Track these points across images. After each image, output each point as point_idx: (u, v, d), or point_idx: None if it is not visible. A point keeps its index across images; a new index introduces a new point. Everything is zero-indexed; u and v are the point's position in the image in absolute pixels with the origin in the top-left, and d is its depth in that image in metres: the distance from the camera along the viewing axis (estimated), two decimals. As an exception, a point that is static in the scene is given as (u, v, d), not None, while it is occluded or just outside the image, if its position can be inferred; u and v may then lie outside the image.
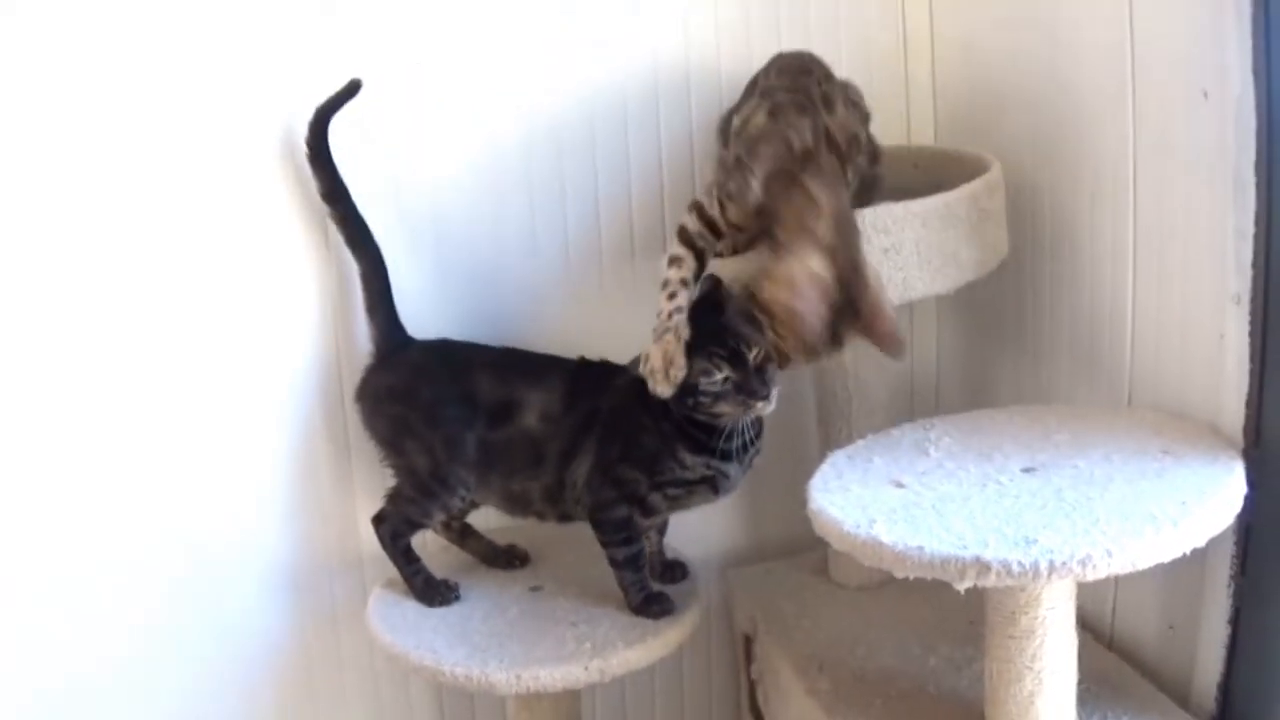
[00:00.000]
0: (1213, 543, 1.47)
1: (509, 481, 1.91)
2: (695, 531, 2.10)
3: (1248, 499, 1.52)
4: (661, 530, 1.99)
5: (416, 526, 1.95)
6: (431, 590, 1.95)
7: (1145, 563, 1.38)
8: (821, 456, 1.75)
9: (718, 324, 1.73)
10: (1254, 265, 1.60)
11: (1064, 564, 1.36)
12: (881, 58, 2.24)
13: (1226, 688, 1.72)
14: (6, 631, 2.00)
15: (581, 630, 1.84)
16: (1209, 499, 1.47)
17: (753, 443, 1.82)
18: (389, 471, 1.97)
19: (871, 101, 1.92)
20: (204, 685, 2.14)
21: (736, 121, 1.84)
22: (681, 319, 1.71)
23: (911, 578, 1.43)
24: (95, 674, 2.06)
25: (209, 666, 2.13)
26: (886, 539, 1.44)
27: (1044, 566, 1.35)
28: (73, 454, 1.99)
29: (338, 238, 1.99)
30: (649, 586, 1.89)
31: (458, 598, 1.96)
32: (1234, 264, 1.62)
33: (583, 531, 1.90)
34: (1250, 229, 1.59)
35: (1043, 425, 1.73)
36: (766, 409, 1.73)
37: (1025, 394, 2.13)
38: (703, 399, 1.72)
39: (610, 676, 1.78)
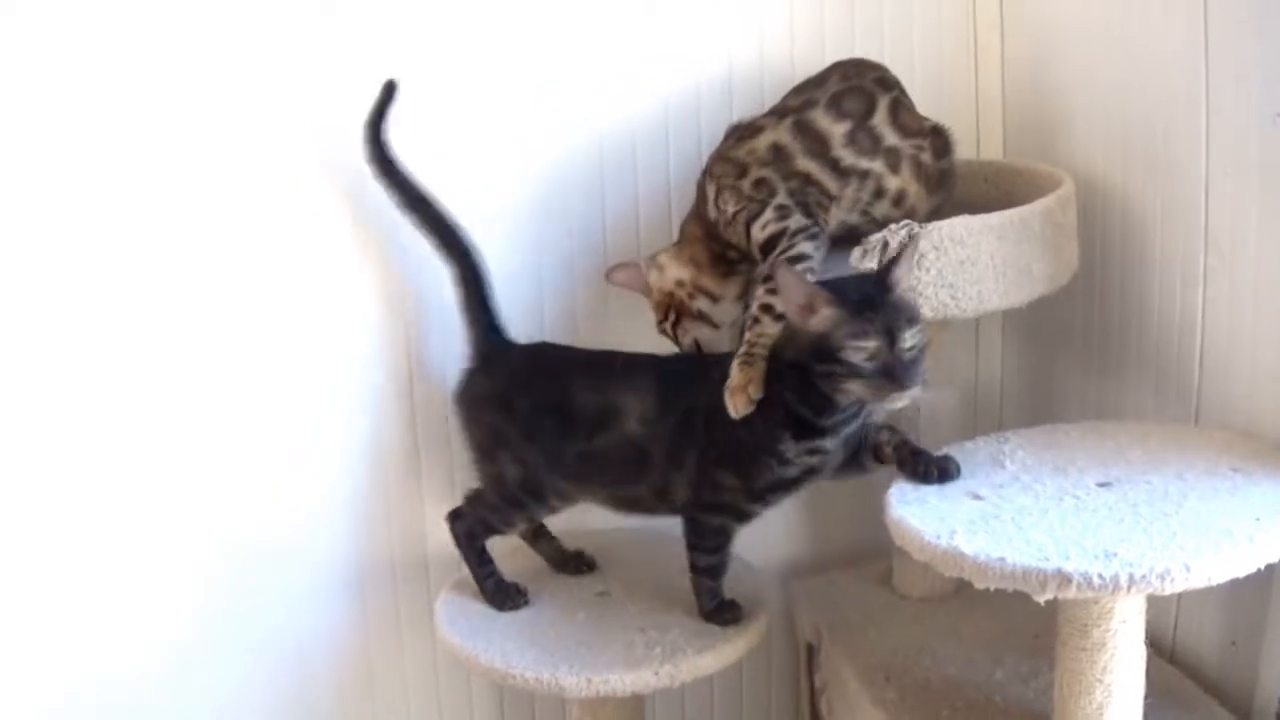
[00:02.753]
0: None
1: (616, 489, 1.89)
2: (757, 541, 2.11)
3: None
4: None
5: (494, 531, 1.95)
6: (502, 593, 1.95)
7: (1221, 577, 1.39)
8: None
9: (884, 297, 1.62)
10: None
11: (1143, 577, 1.37)
12: (952, 73, 2.27)
13: (1290, 704, 1.73)
14: (70, 627, 2.03)
15: (650, 636, 1.86)
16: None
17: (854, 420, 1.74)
18: (464, 473, 1.98)
19: (942, 117, 1.95)
20: (263, 684, 2.17)
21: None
22: (765, 346, 1.72)
23: (992, 589, 1.44)
24: (157, 671, 2.09)
25: (269, 665, 2.16)
26: (968, 550, 1.45)
27: (1124, 579, 1.37)
28: (141, 455, 2.02)
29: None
30: (721, 594, 1.87)
31: (527, 602, 1.96)
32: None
33: (649, 537, 1.91)
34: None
35: (1115, 441, 1.74)
36: (899, 402, 1.62)
37: (1090, 409, 2.14)
38: (839, 369, 1.60)
39: (680, 682, 1.80)
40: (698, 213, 1.93)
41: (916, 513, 1.57)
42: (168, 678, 2.09)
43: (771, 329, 1.72)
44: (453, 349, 2.00)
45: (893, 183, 1.87)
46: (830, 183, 1.85)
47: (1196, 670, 1.90)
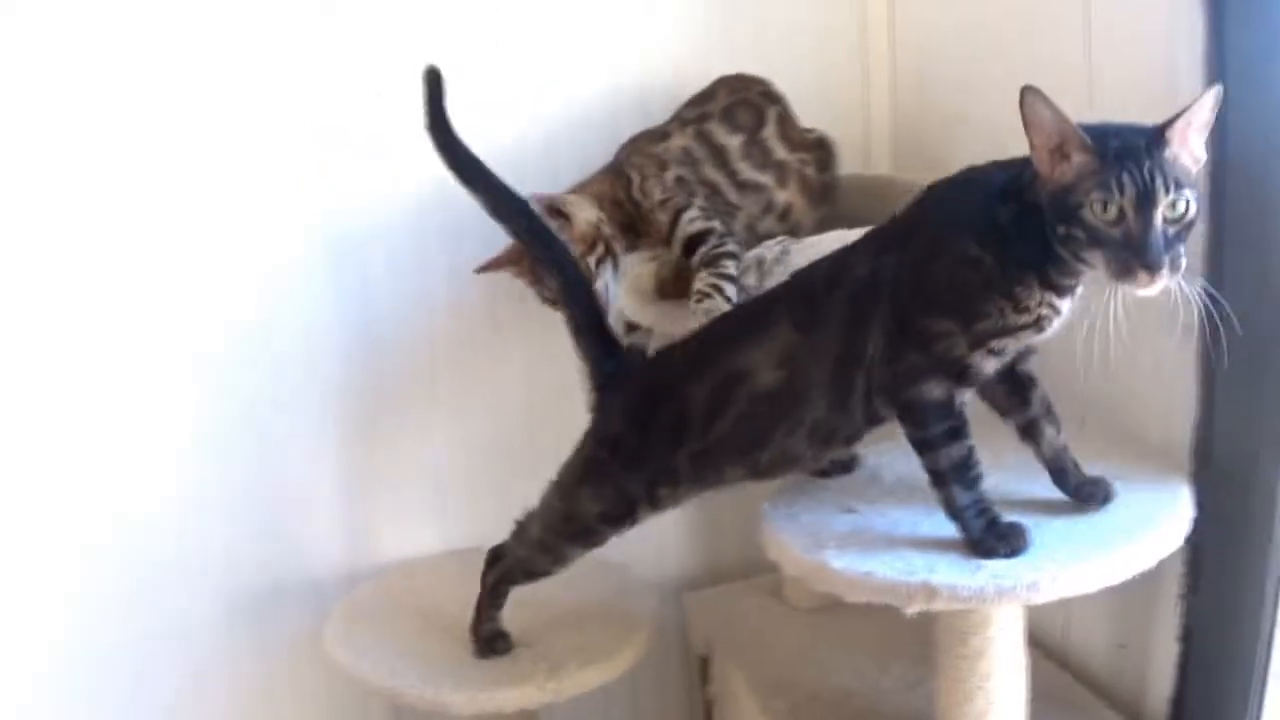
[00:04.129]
0: (1163, 562, 1.48)
1: (761, 453, 1.58)
2: (650, 553, 2.11)
3: (1197, 520, 1.54)
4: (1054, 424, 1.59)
5: (534, 577, 1.80)
6: (492, 642, 1.84)
7: (1091, 586, 1.40)
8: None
9: (1154, 153, 1.33)
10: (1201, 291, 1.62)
11: (1011, 588, 1.37)
12: (841, 85, 2.28)
13: (1177, 705, 1.75)
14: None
15: (537, 650, 1.85)
16: (1155, 524, 1.49)
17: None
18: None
19: (830, 129, 1.97)
20: (158, 710, 2.14)
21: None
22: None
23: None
24: (44, 698, 2.06)
25: (163, 690, 2.14)
26: (836, 564, 1.45)
27: (990, 591, 1.37)
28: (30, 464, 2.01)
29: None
30: (991, 509, 1.48)
31: (509, 648, 1.86)
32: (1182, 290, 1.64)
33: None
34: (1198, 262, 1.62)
35: (995, 448, 1.74)
36: (1147, 288, 1.33)
37: (979, 419, 2.13)
38: (1079, 232, 1.35)
39: (565, 697, 1.79)
40: (612, 186, 1.89)
41: (790, 527, 1.57)
42: (58, 701, 2.06)
43: (723, 307, 1.71)
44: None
45: (780, 197, 1.88)
46: (732, 195, 1.85)
47: (1087, 673, 1.91)
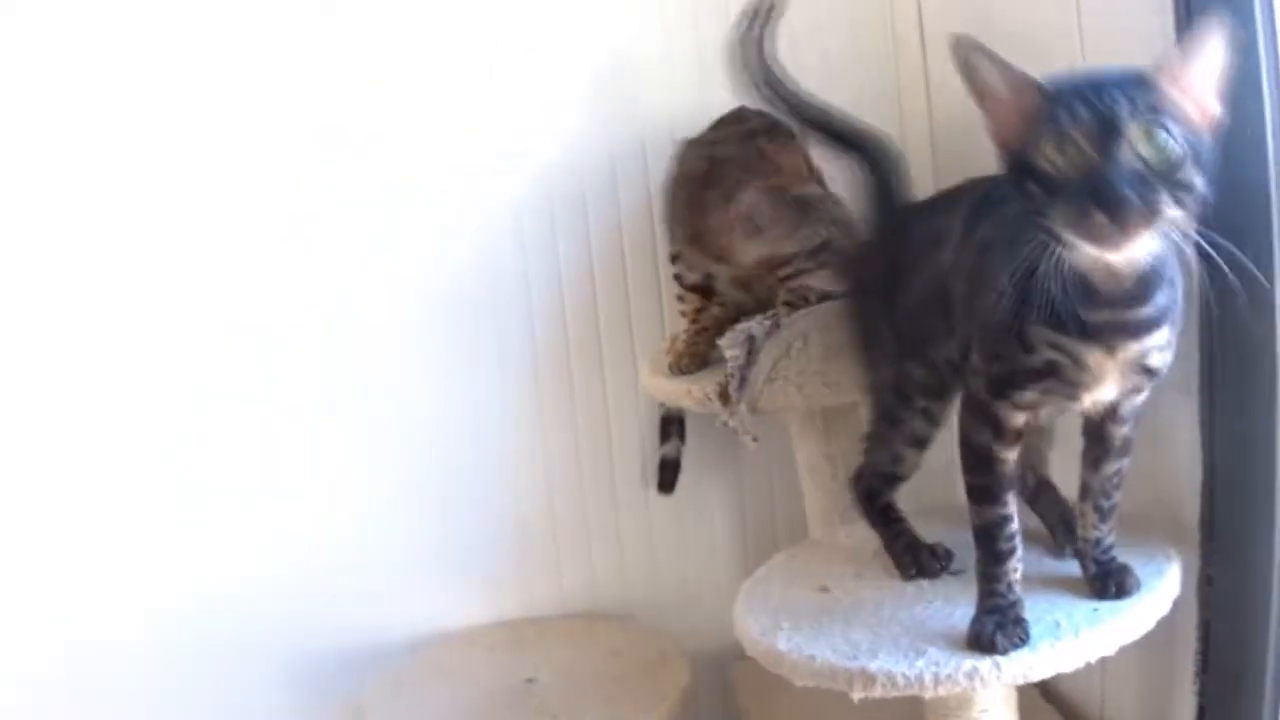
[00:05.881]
0: (1182, 638, 1.45)
1: (927, 349, 1.48)
2: (702, 623, 2.10)
3: (1206, 594, 1.47)
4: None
5: (892, 479, 1.59)
6: (912, 555, 1.57)
7: (1038, 675, 1.35)
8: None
9: (1123, 88, 1.10)
10: (1200, 351, 1.55)
11: (949, 676, 1.33)
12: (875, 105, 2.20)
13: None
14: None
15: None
16: (1125, 606, 1.41)
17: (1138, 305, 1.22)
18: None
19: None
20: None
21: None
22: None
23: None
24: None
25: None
26: (783, 646, 1.43)
27: (929, 679, 1.33)
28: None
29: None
30: (1006, 595, 1.37)
31: (945, 568, 1.56)
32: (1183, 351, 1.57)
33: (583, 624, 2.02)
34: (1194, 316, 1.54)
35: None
36: (1111, 242, 1.10)
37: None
38: (1033, 188, 1.13)
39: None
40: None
41: (757, 605, 1.55)
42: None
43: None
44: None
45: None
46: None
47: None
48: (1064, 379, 1.28)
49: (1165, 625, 1.43)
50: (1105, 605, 1.41)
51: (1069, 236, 1.12)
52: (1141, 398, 1.36)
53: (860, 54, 2.20)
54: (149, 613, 2.12)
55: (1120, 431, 1.39)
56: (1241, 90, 1.27)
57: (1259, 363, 1.47)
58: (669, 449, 2.19)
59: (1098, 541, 1.44)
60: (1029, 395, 1.31)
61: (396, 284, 2.14)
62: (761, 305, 1.88)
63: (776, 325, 1.73)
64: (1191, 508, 1.58)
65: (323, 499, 2.15)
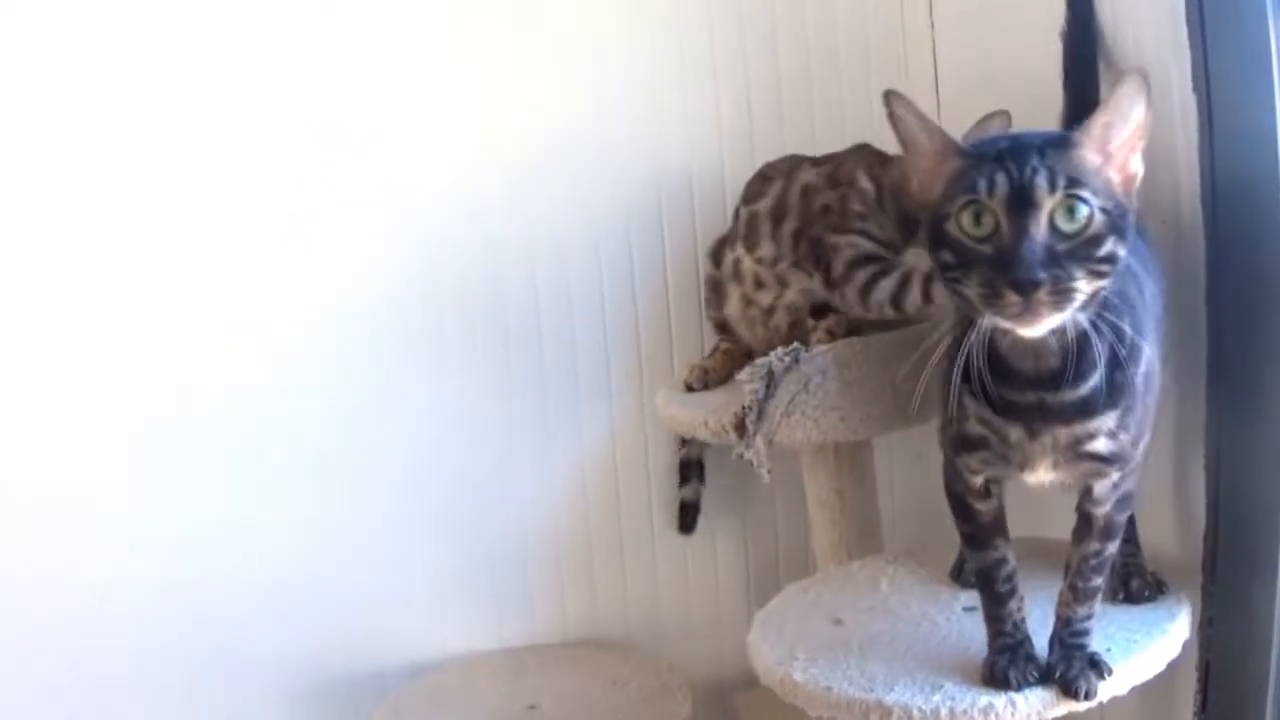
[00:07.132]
0: (1183, 678, 1.47)
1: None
2: (707, 651, 2.12)
3: (1207, 635, 1.50)
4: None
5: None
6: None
7: (1050, 714, 1.37)
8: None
9: (1044, 156, 1.08)
10: (1207, 392, 1.58)
11: (964, 711, 1.35)
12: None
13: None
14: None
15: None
16: (1139, 646, 1.44)
17: (1061, 385, 1.17)
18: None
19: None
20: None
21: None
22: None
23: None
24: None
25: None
26: (800, 677, 1.45)
27: (944, 713, 1.35)
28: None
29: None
30: (1014, 633, 1.38)
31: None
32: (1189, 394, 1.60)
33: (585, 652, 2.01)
34: (1203, 356, 1.58)
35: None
36: (1020, 317, 1.07)
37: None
38: (947, 257, 1.11)
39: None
40: None
41: (772, 635, 1.58)
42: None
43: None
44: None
45: None
46: None
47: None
48: (995, 453, 1.28)
49: (1167, 665, 1.45)
50: (1116, 646, 1.43)
51: (981, 308, 1.11)
52: (1117, 480, 1.30)
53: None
54: (147, 634, 2.11)
55: (1098, 511, 1.33)
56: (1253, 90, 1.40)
57: (1265, 411, 1.52)
58: (688, 491, 2.21)
59: (1068, 621, 1.38)
60: (973, 461, 1.32)
61: (398, 295, 2.15)
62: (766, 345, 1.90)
63: (796, 360, 1.75)
64: (1195, 551, 1.61)
65: (324, 525, 2.15)
